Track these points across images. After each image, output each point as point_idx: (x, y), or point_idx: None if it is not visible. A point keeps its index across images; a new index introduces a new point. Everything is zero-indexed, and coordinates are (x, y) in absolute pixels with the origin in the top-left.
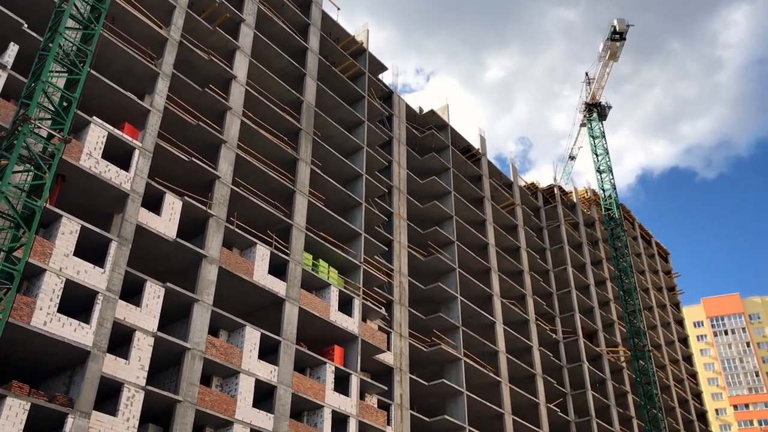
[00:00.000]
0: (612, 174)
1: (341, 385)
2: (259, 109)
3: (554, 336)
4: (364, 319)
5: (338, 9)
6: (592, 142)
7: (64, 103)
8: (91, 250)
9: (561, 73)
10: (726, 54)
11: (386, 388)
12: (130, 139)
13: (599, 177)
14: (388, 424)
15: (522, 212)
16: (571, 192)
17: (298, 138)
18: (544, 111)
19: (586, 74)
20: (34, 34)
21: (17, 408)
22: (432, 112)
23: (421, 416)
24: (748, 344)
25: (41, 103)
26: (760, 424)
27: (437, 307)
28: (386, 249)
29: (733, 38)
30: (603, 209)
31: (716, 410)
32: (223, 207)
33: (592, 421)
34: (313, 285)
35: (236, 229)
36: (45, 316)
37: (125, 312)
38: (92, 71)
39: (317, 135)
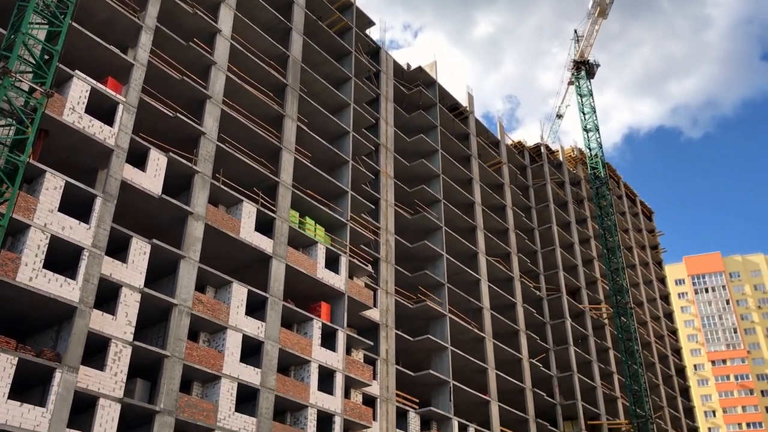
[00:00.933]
0: (599, 133)
1: (328, 340)
2: (245, 65)
3: (538, 293)
4: (350, 276)
5: None
6: (580, 101)
7: (46, 56)
8: (76, 206)
9: (550, 31)
10: (715, 12)
11: (372, 343)
12: (114, 93)
13: (586, 136)
14: (374, 378)
15: (508, 171)
16: (558, 151)
17: (284, 94)
18: (532, 69)
19: (575, 31)
20: None
21: (5, 363)
22: (420, 69)
23: (406, 371)
24: (727, 302)
25: (22, 56)
26: (737, 378)
27: (423, 264)
28: (373, 207)
29: None
30: (589, 168)
31: (695, 365)
32: (208, 163)
33: (574, 376)
34: (300, 242)
35: (222, 186)
36: (31, 271)
37: (111, 268)
38: (74, 23)
39: (303, 91)
